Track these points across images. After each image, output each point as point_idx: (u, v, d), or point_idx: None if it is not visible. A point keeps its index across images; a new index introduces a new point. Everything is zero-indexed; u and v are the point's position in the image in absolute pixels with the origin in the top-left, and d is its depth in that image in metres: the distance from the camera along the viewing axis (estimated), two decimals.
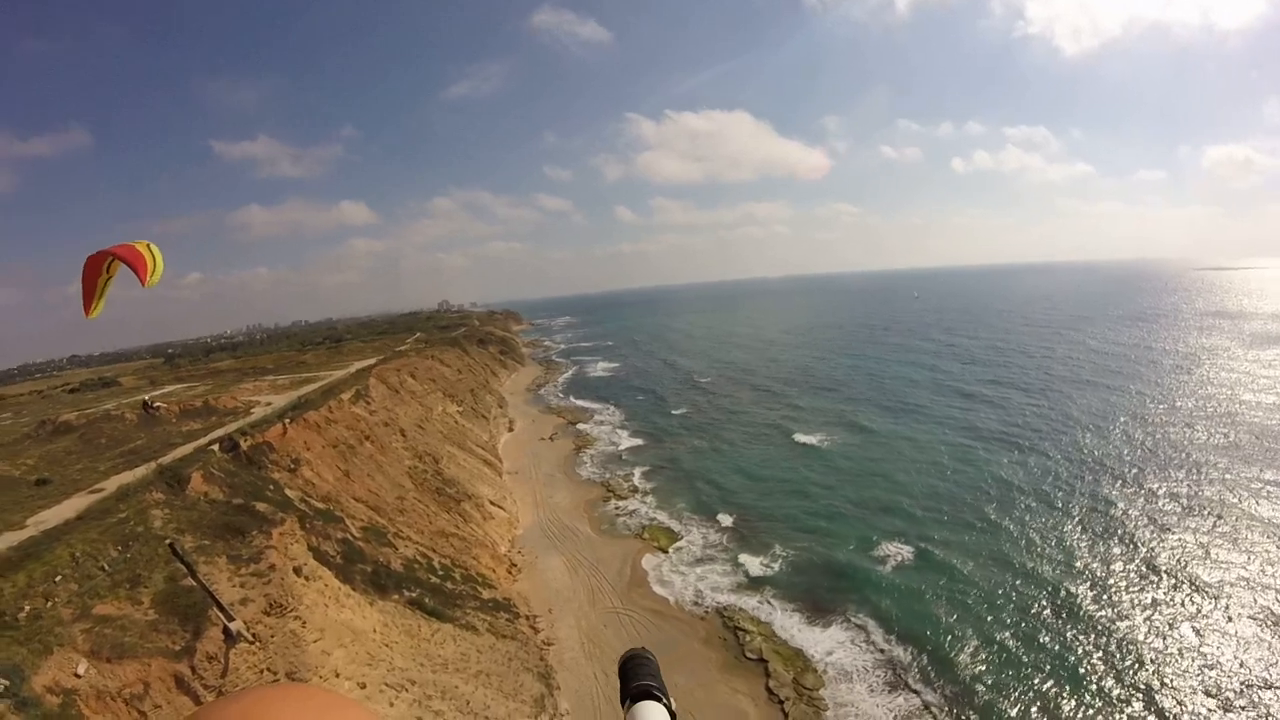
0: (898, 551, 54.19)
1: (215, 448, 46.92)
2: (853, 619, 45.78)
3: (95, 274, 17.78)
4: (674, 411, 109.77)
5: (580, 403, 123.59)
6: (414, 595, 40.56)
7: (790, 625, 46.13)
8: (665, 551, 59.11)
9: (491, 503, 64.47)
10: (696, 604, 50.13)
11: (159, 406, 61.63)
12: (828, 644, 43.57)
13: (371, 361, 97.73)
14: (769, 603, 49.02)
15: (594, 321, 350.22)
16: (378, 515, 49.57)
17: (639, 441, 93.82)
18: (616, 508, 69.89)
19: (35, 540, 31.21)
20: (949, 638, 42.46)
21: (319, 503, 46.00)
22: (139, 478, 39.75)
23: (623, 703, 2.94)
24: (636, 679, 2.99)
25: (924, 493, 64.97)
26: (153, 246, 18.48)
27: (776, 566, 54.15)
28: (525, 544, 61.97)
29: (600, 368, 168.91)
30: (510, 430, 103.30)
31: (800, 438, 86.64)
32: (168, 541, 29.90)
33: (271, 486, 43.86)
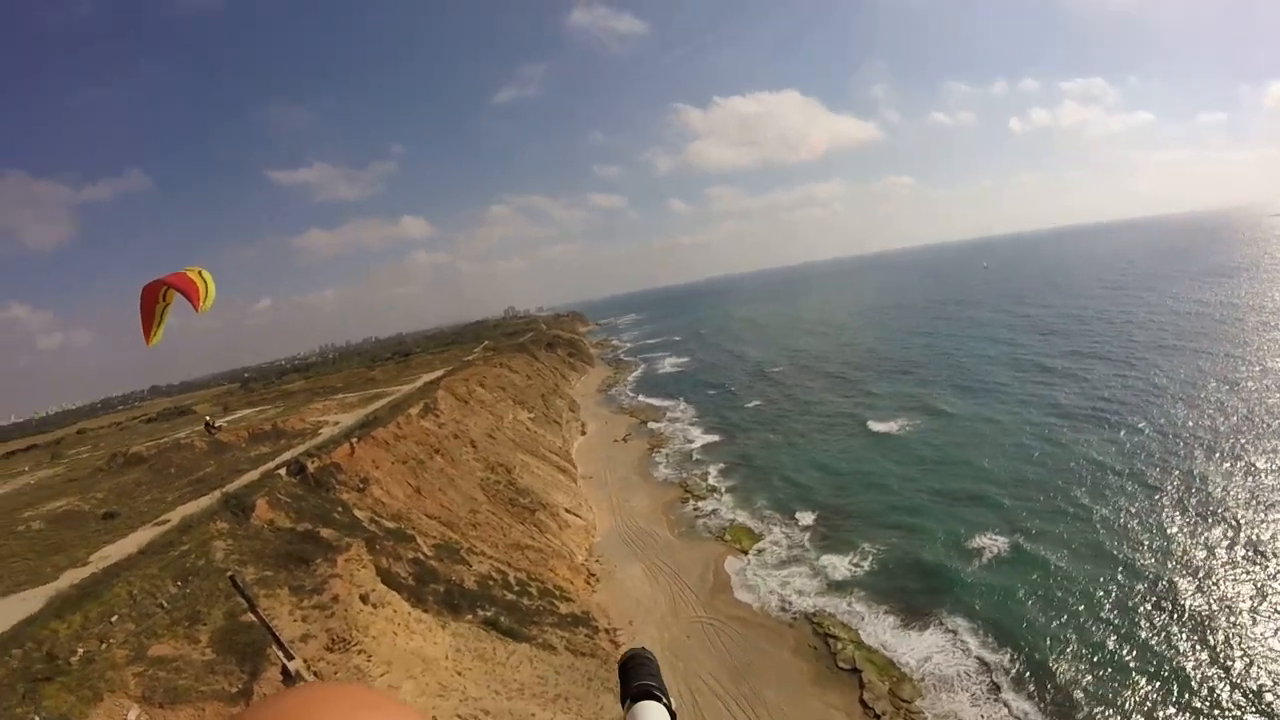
0: (988, 545, 50.10)
1: (282, 472, 45.90)
2: (946, 622, 42.27)
3: (152, 303, 17.80)
4: (745, 405, 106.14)
5: (651, 401, 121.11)
6: (489, 614, 38.46)
7: (882, 630, 42.89)
8: (747, 554, 56.14)
9: (567, 511, 62.32)
10: (783, 610, 47.09)
11: (220, 426, 61.70)
12: (923, 650, 40.27)
13: (439, 373, 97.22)
14: (858, 606, 45.80)
15: (659, 317, 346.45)
16: (450, 531, 47.83)
17: (713, 438, 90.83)
18: (695, 509, 67.05)
19: (95, 578, 30.26)
20: (1049, 640, 38.79)
21: (389, 522, 44.45)
22: (203, 508, 38.82)
23: (623, 703, 2.81)
24: (637, 679, 2.87)
25: (1011, 479, 60.23)
26: (204, 273, 18.34)
27: (864, 566, 50.76)
28: (603, 552, 59.62)
29: (669, 364, 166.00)
30: (583, 434, 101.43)
31: (876, 426, 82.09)
32: (229, 574, 28.35)
33: (340, 509, 42.47)
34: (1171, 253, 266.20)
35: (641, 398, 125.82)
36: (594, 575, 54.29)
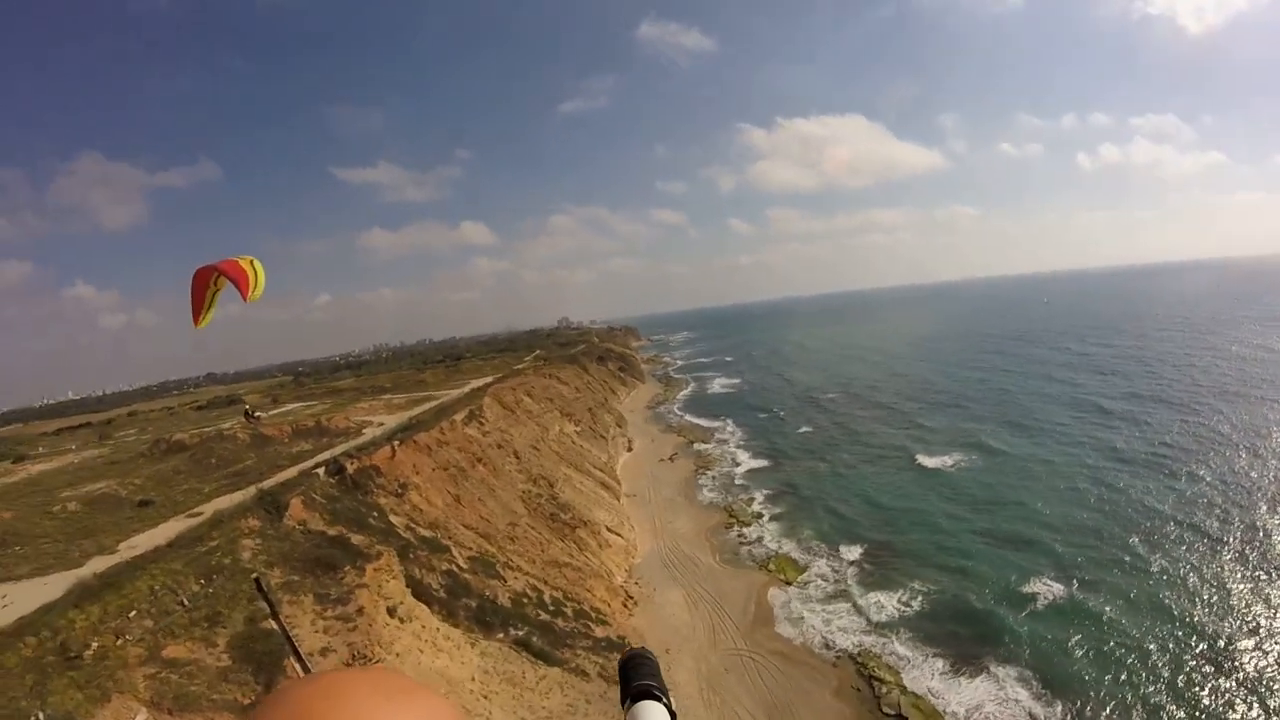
0: (1041, 592, 47.55)
1: (320, 471, 44.98)
2: (996, 670, 40.05)
3: (204, 287, 18.11)
4: (794, 430, 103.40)
5: (700, 421, 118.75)
6: (521, 634, 36.68)
7: (929, 675, 40.65)
8: (791, 585, 54.00)
9: (608, 529, 60.42)
10: (827, 647, 45.03)
11: (259, 416, 61.57)
12: (972, 698, 38.18)
13: (488, 380, 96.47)
14: (904, 648, 43.52)
15: (713, 336, 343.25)
16: (487, 543, 46.31)
17: (760, 463, 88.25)
18: (739, 535, 64.68)
19: (119, 569, 29.32)
20: (1104, 696, 36.71)
21: (425, 530, 43.12)
22: (237, 503, 37.89)
23: (623, 702, 2.84)
24: (637, 678, 2.88)
25: (1065, 524, 57.30)
26: (255, 262, 18.24)
27: (912, 606, 48.42)
28: (643, 574, 57.53)
29: (719, 384, 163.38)
30: (629, 450, 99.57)
31: (927, 461, 78.96)
32: (254, 576, 27.26)
33: (375, 513, 41.27)
34: (1240, 296, 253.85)
35: (690, 417, 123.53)
36: (632, 598, 52.25)
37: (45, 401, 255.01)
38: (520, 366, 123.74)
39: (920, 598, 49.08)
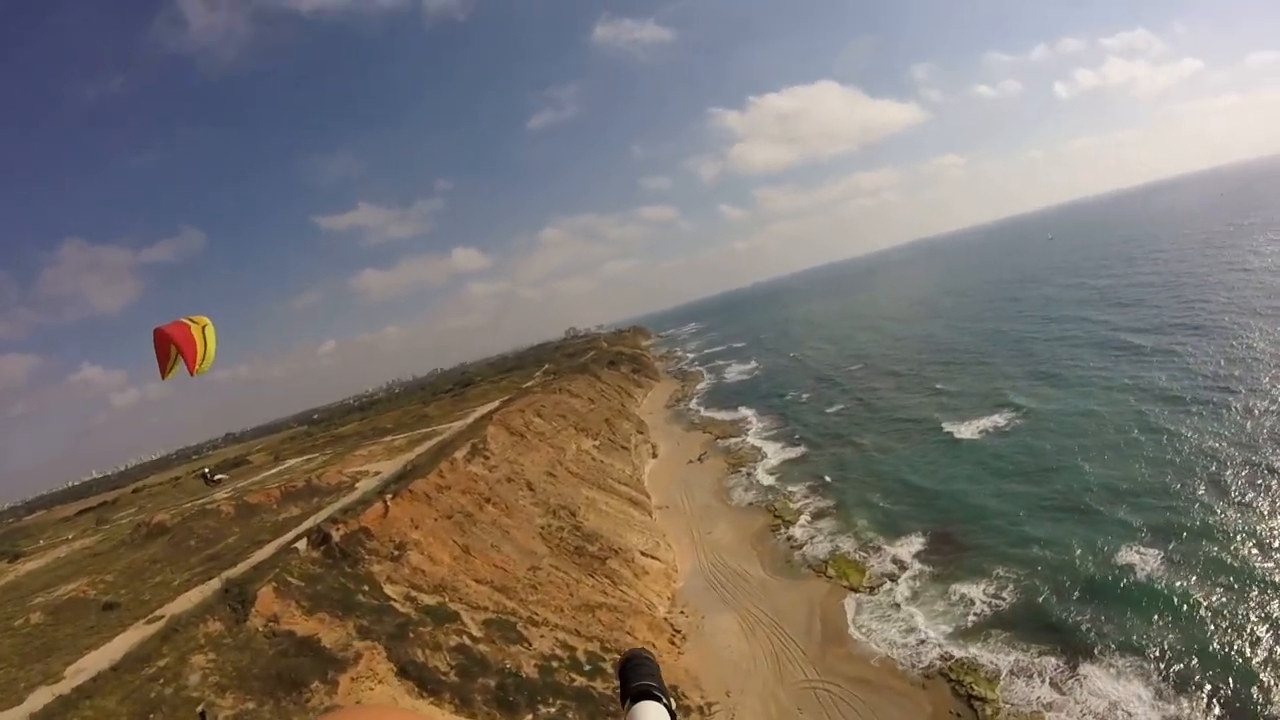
0: (1134, 563, 40.95)
1: (301, 544, 38.82)
2: (1113, 663, 33.90)
3: (165, 348, 18.03)
4: (819, 413, 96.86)
5: (723, 414, 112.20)
6: (553, 711, 30.39)
7: (1037, 683, 34.34)
8: (856, 591, 47.52)
9: (643, 553, 54.09)
10: (912, 664, 38.62)
11: (219, 478, 56.85)
12: (1095, 704, 31.74)
13: (494, 405, 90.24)
14: (1000, 654, 37.01)
15: (720, 325, 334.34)
16: (505, 598, 39.99)
17: (791, 453, 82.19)
18: (787, 538, 58.42)
19: (52, 709, 23.39)
20: (1247, 680, 30.23)
21: (430, 595, 36.86)
22: (198, 603, 31.81)
23: (622, 702, 2.83)
24: (637, 679, 2.87)
25: (1131, 482, 50.52)
26: (208, 328, 18.23)
27: (998, 601, 41.76)
28: (688, 599, 51.17)
29: (735, 372, 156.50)
30: (654, 457, 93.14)
31: (960, 431, 71.95)
32: (199, 710, 21.08)
33: (366, 587, 35.04)
34: (1241, 205, 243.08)
35: (712, 412, 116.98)
36: (679, 631, 45.90)
37: (70, 484, 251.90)
38: (528, 384, 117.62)
39: (1002, 590, 42.46)
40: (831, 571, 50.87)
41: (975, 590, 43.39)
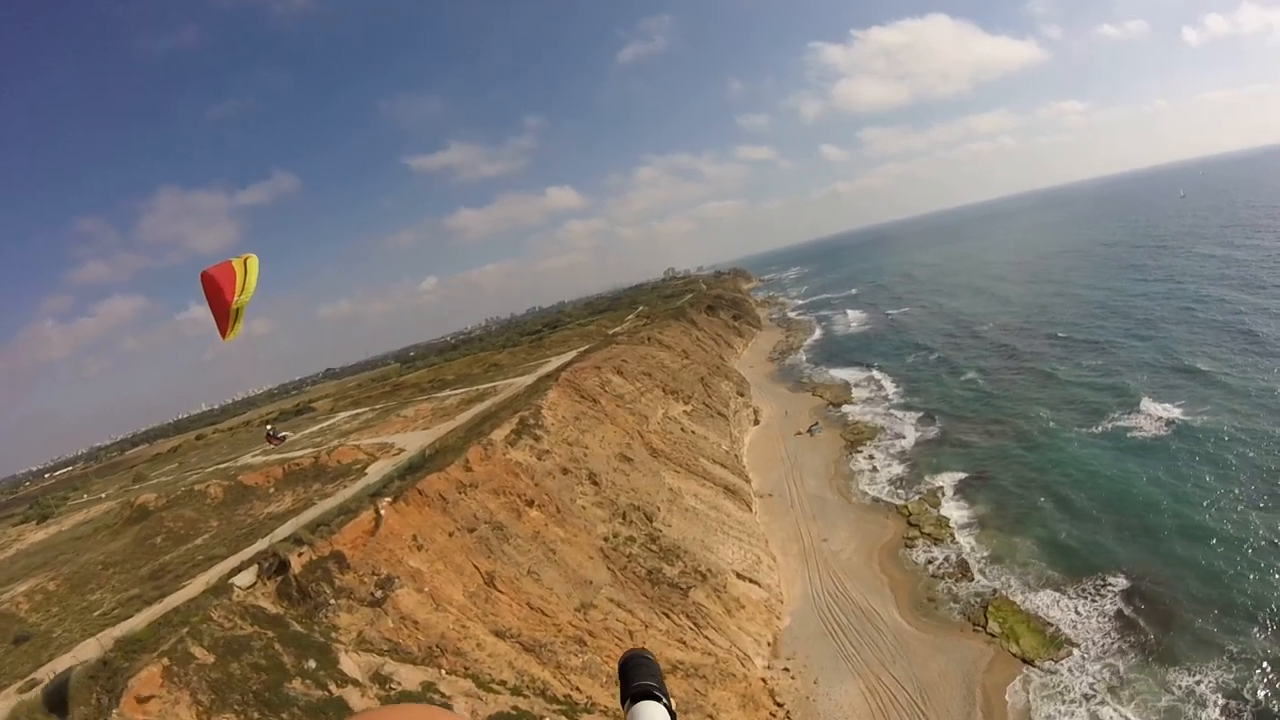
0: None
1: (246, 576, 26.80)
2: None
3: (216, 296, 16.43)
4: (956, 379, 79.91)
5: (836, 373, 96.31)
6: None
7: None
8: (1030, 663, 32.88)
9: (739, 575, 40.31)
10: None
11: (283, 435, 46.94)
12: None
13: (569, 357, 77.30)
14: None
15: (825, 270, 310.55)
16: (535, 662, 27.07)
17: (928, 431, 66.77)
18: (929, 560, 43.82)
19: None
20: None
21: (414, 669, 24.27)
22: (78, 667, 20.22)
23: (623, 702, 2.84)
24: (637, 679, 2.87)
25: None
26: (250, 260, 16.59)
27: (1253, 699, 28.04)
28: (795, 647, 37.49)
29: (845, 323, 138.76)
30: (756, 423, 78.78)
31: (1156, 409, 56.10)
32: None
33: (313, 663, 22.57)
34: None
35: (824, 368, 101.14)
36: (781, 704, 32.38)
37: (179, 417, 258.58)
38: (615, 330, 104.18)
39: (1250, 686, 28.41)
40: (994, 626, 36.34)
41: (1207, 685, 29.30)
